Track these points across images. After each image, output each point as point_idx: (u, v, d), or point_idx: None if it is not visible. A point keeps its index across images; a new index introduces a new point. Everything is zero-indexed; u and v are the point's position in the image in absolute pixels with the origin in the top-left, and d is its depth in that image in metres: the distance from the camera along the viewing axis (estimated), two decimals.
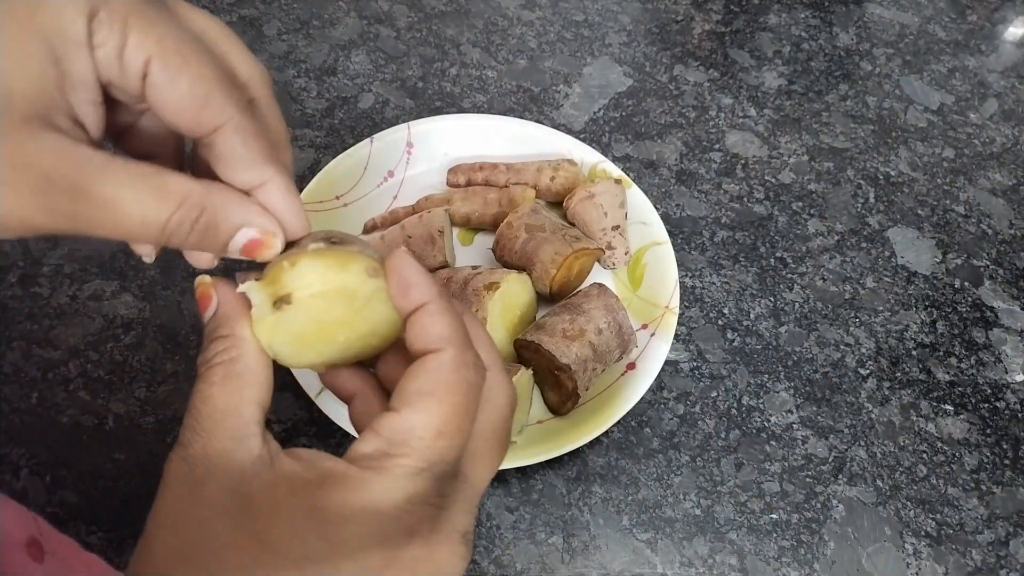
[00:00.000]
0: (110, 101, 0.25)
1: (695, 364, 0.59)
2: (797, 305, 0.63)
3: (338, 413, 0.51)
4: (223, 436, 0.24)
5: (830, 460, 0.56)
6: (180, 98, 0.24)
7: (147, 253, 0.28)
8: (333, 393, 0.30)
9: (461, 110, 0.73)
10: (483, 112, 0.73)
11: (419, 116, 0.72)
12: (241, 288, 0.26)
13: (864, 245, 0.67)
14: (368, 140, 0.64)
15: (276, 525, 0.23)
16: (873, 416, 0.58)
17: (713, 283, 0.64)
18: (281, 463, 0.24)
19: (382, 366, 0.30)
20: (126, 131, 0.28)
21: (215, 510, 0.23)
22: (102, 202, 0.22)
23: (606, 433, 0.55)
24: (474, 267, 0.57)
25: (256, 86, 0.28)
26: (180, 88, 0.23)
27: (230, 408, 0.25)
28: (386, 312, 0.27)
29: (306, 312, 0.25)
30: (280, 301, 0.25)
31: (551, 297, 0.57)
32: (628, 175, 0.65)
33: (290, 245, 0.27)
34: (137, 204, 0.23)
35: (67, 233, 0.23)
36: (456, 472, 0.25)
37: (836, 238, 0.67)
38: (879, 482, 0.55)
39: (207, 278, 0.27)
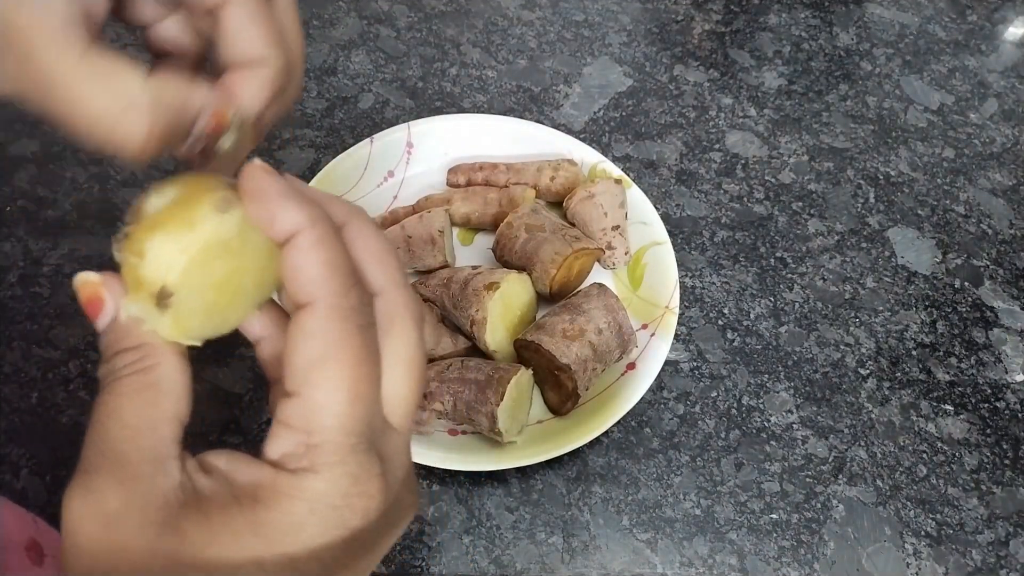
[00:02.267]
0: None
1: (695, 364, 0.59)
2: (797, 305, 0.63)
3: None
4: (138, 459, 0.21)
5: (830, 460, 0.56)
6: None
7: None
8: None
9: (461, 110, 0.73)
10: (483, 112, 0.73)
11: (419, 116, 0.72)
12: (124, 312, 0.22)
13: (864, 245, 0.67)
14: (368, 140, 0.65)
15: (223, 556, 0.20)
16: (873, 416, 0.58)
17: (713, 283, 0.64)
18: (201, 485, 0.21)
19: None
20: (149, 28, 0.28)
21: (145, 552, 0.20)
22: (47, 73, 0.21)
23: (606, 433, 0.55)
24: (474, 267, 0.57)
25: None
26: None
27: (144, 424, 0.21)
28: None
29: (193, 288, 0.22)
30: (161, 298, 0.21)
31: (551, 297, 0.57)
32: (628, 175, 0.65)
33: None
34: (88, 88, 0.21)
35: (31, 107, 0.21)
36: (384, 424, 0.23)
37: (836, 238, 0.67)
38: (879, 482, 0.55)
39: (91, 276, 0.22)
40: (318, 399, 0.21)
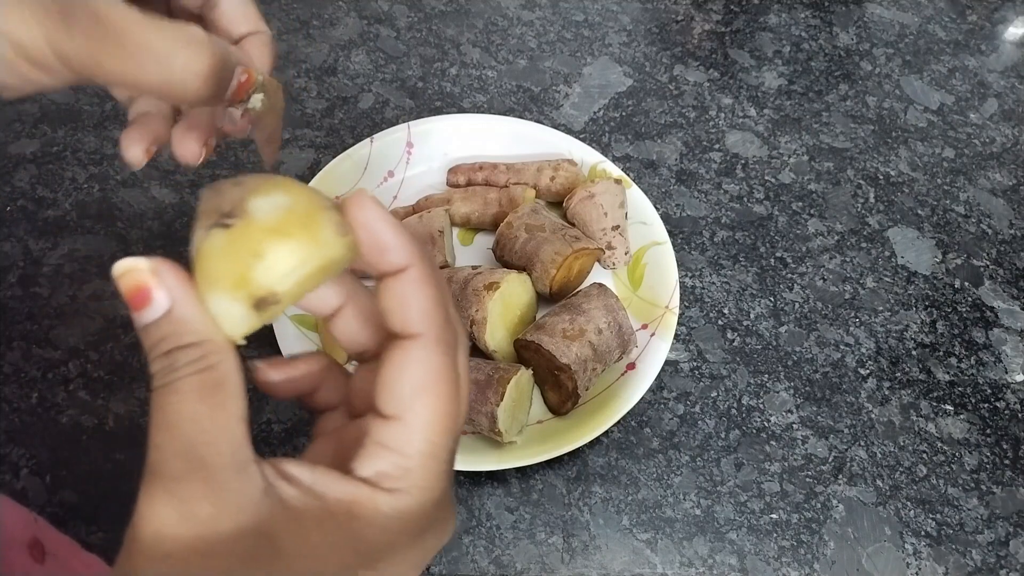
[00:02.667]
0: None
1: (695, 364, 0.59)
2: (797, 305, 0.63)
3: None
4: (222, 464, 0.20)
5: (830, 460, 0.56)
6: None
7: (137, 157, 0.30)
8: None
9: (461, 110, 0.73)
10: (483, 112, 0.73)
11: (419, 116, 0.72)
12: (214, 309, 0.21)
13: (864, 245, 0.67)
14: (368, 140, 0.65)
15: (318, 564, 0.21)
16: (873, 416, 0.58)
17: (713, 283, 0.64)
18: (286, 493, 0.21)
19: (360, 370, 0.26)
20: None
21: (243, 557, 0.20)
22: (130, 37, 0.23)
23: (606, 433, 0.55)
24: (474, 267, 0.57)
25: None
26: None
27: (220, 428, 0.20)
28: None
29: (290, 300, 0.21)
30: (264, 303, 0.21)
31: (551, 297, 0.57)
32: (628, 175, 0.65)
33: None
34: (174, 50, 0.24)
35: (100, 72, 0.23)
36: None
37: (836, 238, 0.67)
38: (879, 482, 0.55)
39: (141, 263, 0.21)
40: (418, 425, 0.22)
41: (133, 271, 0.21)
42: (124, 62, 0.23)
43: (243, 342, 0.22)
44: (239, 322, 0.21)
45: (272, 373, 0.25)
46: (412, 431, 0.22)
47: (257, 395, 0.55)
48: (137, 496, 0.20)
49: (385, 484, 0.22)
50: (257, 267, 0.20)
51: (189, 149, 0.31)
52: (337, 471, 0.22)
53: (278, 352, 0.53)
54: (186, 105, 0.31)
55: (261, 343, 0.55)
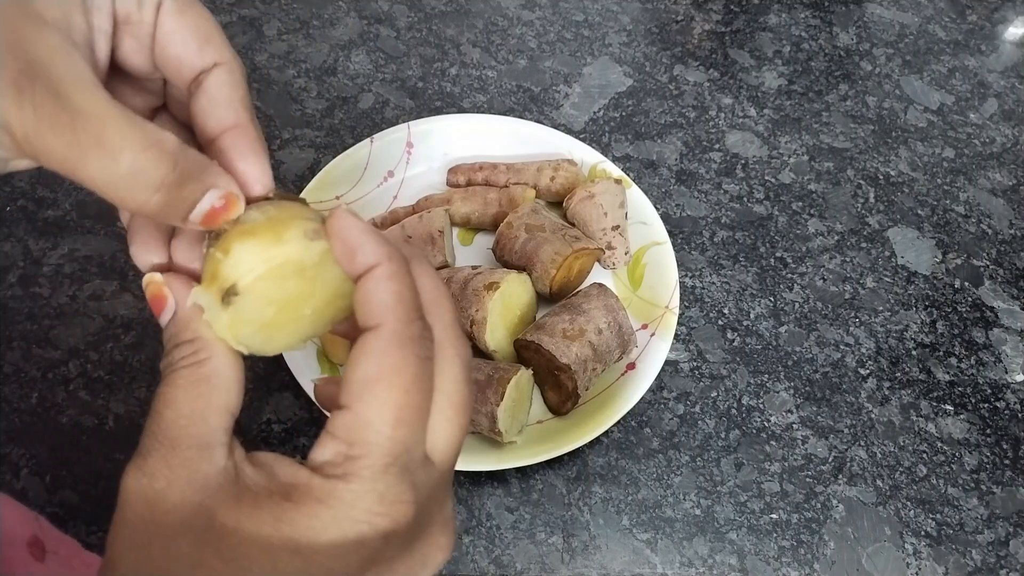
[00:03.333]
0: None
1: (695, 364, 0.59)
2: (797, 305, 0.63)
3: None
4: (187, 444, 0.22)
5: (830, 460, 0.56)
6: (187, 30, 0.25)
7: (153, 267, 0.27)
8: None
9: (461, 110, 0.73)
10: (483, 112, 0.73)
11: (419, 116, 0.72)
12: (192, 299, 0.24)
13: (864, 245, 0.67)
14: (368, 140, 0.65)
15: (244, 543, 0.21)
16: (873, 416, 0.58)
17: (713, 283, 0.64)
18: (245, 474, 0.23)
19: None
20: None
21: (178, 527, 0.21)
22: (84, 119, 0.21)
23: (606, 433, 0.55)
24: (474, 267, 0.57)
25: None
26: (188, 21, 0.25)
27: (196, 414, 0.23)
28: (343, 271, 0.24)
29: (259, 297, 0.23)
30: (228, 295, 0.23)
31: (551, 297, 0.57)
32: (628, 175, 0.65)
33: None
34: (125, 148, 0.21)
35: (42, 153, 0.21)
36: (423, 457, 0.24)
37: (836, 238, 0.67)
38: (879, 482, 0.55)
39: (157, 276, 0.25)
40: (365, 414, 0.22)
41: (153, 282, 0.25)
42: (68, 148, 0.21)
43: (243, 350, 0.24)
44: (215, 315, 0.24)
45: (326, 387, 0.28)
46: (358, 419, 0.22)
47: (257, 396, 0.55)
48: None
49: (326, 471, 0.22)
50: (224, 262, 0.23)
51: (146, 252, 0.27)
52: (297, 460, 0.23)
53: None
54: (138, 216, 0.27)
55: None
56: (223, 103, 0.26)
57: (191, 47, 0.25)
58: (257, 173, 0.25)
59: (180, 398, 0.23)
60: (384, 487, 0.22)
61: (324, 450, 0.23)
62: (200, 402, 0.23)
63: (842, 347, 0.61)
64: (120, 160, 0.21)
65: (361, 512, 0.22)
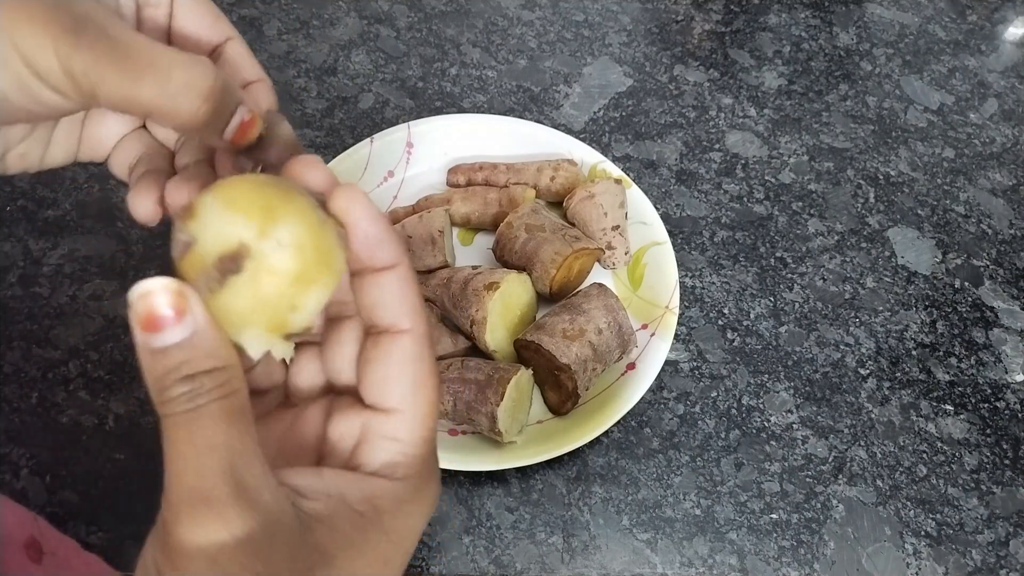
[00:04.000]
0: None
1: (695, 364, 0.59)
2: (797, 305, 0.63)
3: None
4: (256, 486, 0.20)
5: (830, 460, 0.56)
6: (200, 11, 0.29)
7: (149, 212, 0.29)
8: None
9: (461, 110, 0.73)
10: (483, 112, 0.73)
11: (419, 116, 0.72)
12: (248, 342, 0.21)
13: (864, 245, 0.67)
14: (368, 140, 0.64)
15: (367, 565, 0.23)
16: (873, 416, 0.58)
17: (713, 283, 0.64)
18: (307, 507, 0.22)
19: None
20: None
21: (289, 570, 0.20)
22: (137, 50, 0.23)
23: (606, 433, 0.55)
24: (474, 267, 0.57)
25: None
26: (200, 4, 0.30)
27: (250, 451, 0.20)
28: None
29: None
30: (295, 336, 0.22)
31: (551, 297, 0.57)
32: (628, 175, 0.65)
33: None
34: (175, 66, 0.24)
35: (103, 89, 0.23)
36: None
37: (836, 238, 0.67)
38: (879, 482, 0.55)
39: (172, 283, 0.20)
40: (421, 415, 0.24)
41: (154, 293, 0.20)
42: (125, 75, 0.23)
43: (287, 351, 0.23)
44: (277, 351, 0.22)
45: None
46: (415, 422, 0.24)
47: None
48: (169, 516, 0.20)
49: (397, 474, 0.24)
50: (293, 316, 0.21)
51: (178, 199, 0.28)
52: (344, 470, 0.23)
53: None
54: (184, 133, 0.30)
55: None
56: (245, 65, 0.30)
57: (205, 23, 0.29)
58: (265, 98, 0.31)
59: (232, 435, 0.20)
60: (436, 470, 0.25)
61: (385, 453, 0.24)
62: (249, 438, 0.20)
63: (842, 347, 0.61)
64: (173, 76, 0.23)
65: (431, 497, 0.25)
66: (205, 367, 0.20)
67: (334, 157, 0.63)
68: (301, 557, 0.21)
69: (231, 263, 0.20)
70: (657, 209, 0.63)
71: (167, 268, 0.21)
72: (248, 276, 0.20)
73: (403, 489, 0.24)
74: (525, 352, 0.54)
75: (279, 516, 0.20)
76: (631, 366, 0.55)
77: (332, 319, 0.26)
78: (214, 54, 0.30)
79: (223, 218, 0.20)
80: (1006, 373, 0.61)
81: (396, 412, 0.24)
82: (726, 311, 0.62)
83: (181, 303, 0.20)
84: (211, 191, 0.21)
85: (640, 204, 0.62)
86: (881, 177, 0.72)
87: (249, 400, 0.21)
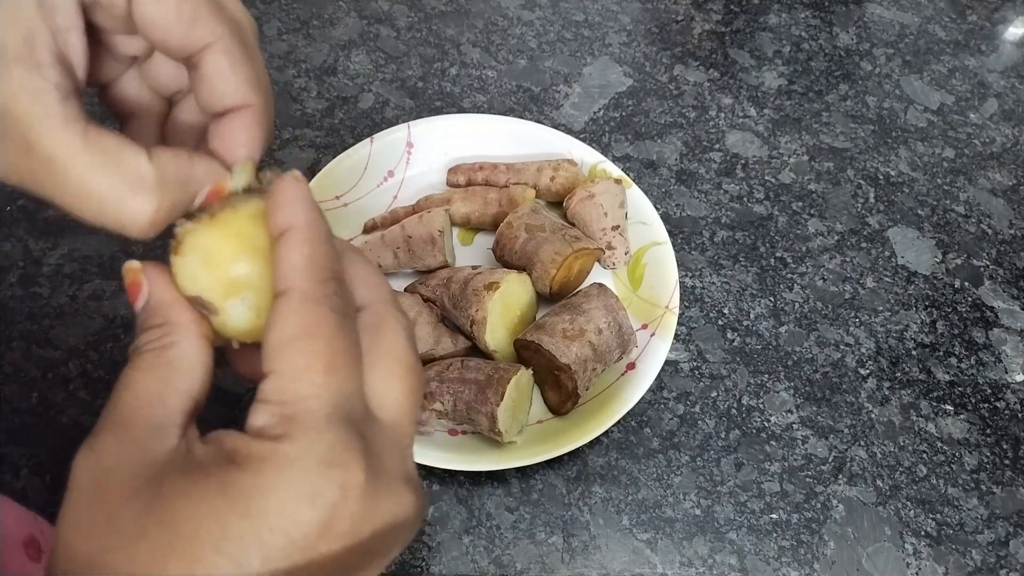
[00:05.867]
0: (95, 43, 0.25)
1: (695, 364, 0.59)
2: (797, 305, 0.63)
3: None
4: (139, 424, 0.22)
5: (830, 460, 0.56)
6: (167, 14, 0.23)
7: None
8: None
9: (461, 110, 0.73)
10: (483, 112, 0.73)
11: (419, 116, 0.72)
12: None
13: (864, 245, 0.67)
14: (368, 140, 0.64)
15: (189, 508, 0.20)
16: (873, 416, 0.58)
17: (713, 283, 0.64)
18: (195, 450, 0.22)
19: None
20: (109, 87, 0.28)
21: (122, 500, 0.21)
22: (49, 162, 0.21)
23: (606, 433, 0.55)
24: (474, 267, 0.57)
25: (245, 30, 0.26)
26: (167, 5, 0.23)
27: (152, 395, 0.23)
28: None
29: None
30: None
31: (551, 297, 0.57)
32: (628, 175, 0.65)
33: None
34: (92, 175, 0.22)
35: (36, 193, 0.22)
36: (365, 410, 0.23)
37: (836, 238, 0.67)
38: (879, 482, 0.55)
39: (135, 264, 0.25)
40: (291, 370, 0.22)
41: (130, 271, 0.25)
42: (62, 196, 0.22)
43: (235, 346, 0.26)
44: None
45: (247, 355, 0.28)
46: (285, 377, 0.22)
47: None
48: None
49: (267, 434, 0.21)
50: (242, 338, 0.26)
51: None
52: (238, 430, 0.23)
53: None
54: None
55: None
56: (226, 84, 0.25)
57: (175, 32, 0.24)
58: (244, 152, 0.26)
59: (139, 380, 0.23)
60: (333, 436, 0.21)
61: (258, 416, 0.22)
62: (159, 385, 0.23)
63: (842, 347, 0.61)
64: (106, 210, 0.23)
65: (312, 464, 0.21)
66: (150, 323, 0.24)
67: (334, 157, 0.63)
68: (134, 488, 0.21)
69: (205, 308, 0.24)
70: (657, 209, 0.63)
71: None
72: (213, 319, 0.25)
73: (267, 449, 0.21)
74: (525, 352, 0.54)
75: (141, 453, 0.22)
76: (631, 366, 0.55)
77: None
78: (191, 61, 0.25)
79: (199, 272, 0.24)
80: (1006, 373, 0.61)
81: (268, 373, 0.22)
82: (726, 311, 0.62)
83: (137, 279, 0.25)
84: (198, 232, 0.24)
85: (640, 204, 0.62)
86: (881, 177, 0.72)
87: (192, 357, 0.24)
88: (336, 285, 0.23)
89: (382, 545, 0.23)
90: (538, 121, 0.70)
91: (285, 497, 0.20)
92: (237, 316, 0.24)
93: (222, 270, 0.24)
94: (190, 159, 0.25)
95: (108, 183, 0.22)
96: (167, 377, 0.23)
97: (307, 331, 0.22)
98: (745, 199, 0.69)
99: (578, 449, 0.53)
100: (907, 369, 0.60)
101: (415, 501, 0.23)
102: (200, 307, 0.24)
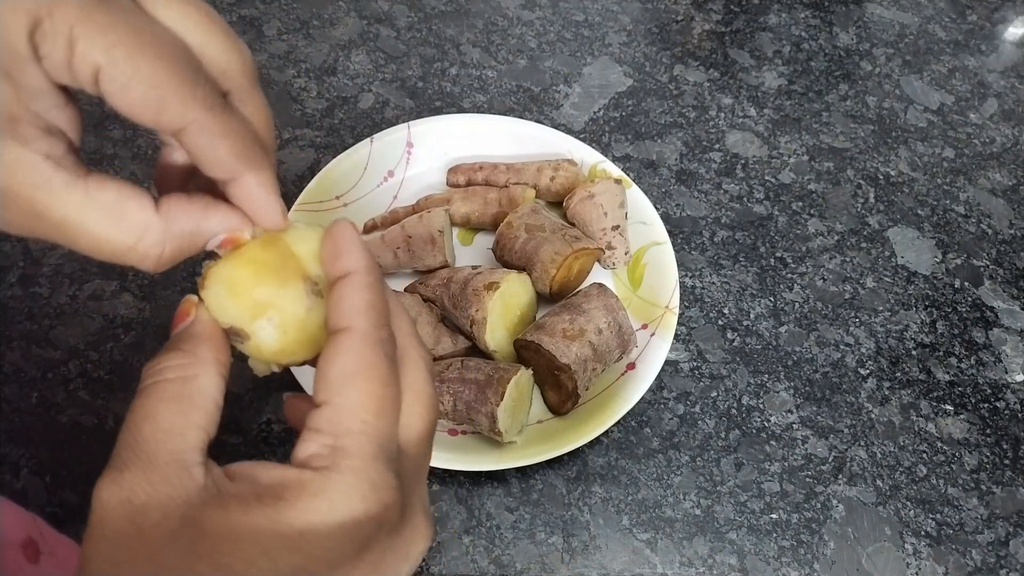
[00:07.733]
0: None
1: (695, 364, 0.59)
2: (797, 305, 0.63)
3: None
4: (166, 460, 0.22)
5: (830, 460, 0.56)
6: (134, 104, 0.22)
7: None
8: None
9: (461, 110, 0.73)
10: (483, 112, 0.73)
11: (419, 116, 0.72)
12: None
13: (864, 245, 0.67)
14: (368, 140, 0.64)
15: (239, 548, 0.21)
16: (873, 416, 0.58)
17: (713, 283, 0.64)
18: (226, 487, 0.23)
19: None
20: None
21: (165, 541, 0.21)
22: (59, 223, 0.23)
23: (606, 433, 0.55)
24: (474, 267, 0.57)
25: (233, 76, 0.25)
26: (133, 95, 0.22)
27: (175, 429, 0.23)
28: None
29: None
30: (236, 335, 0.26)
31: (551, 297, 0.57)
32: (628, 175, 0.65)
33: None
34: (99, 229, 0.23)
35: (50, 240, 0.23)
36: (399, 450, 0.25)
37: (836, 238, 0.67)
38: (879, 482, 0.55)
39: (193, 298, 0.26)
40: (347, 405, 0.23)
41: (187, 302, 0.26)
42: (76, 247, 0.23)
43: (276, 369, 0.27)
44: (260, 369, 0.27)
45: (297, 403, 0.29)
46: (341, 411, 0.23)
47: (257, 396, 0.55)
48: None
49: (314, 464, 0.23)
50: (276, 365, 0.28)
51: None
52: (276, 462, 0.24)
53: None
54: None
55: None
56: (207, 164, 0.24)
57: (146, 119, 0.22)
58: (264, 217, 0.26)
59: (161, 412, 0.23)
60: (376, 474, 0.23)
61: (309, 445, 0.23)
62: (180, 418, 0.23)
63: (842, 347, 0.61)
64: (116, 256, 0.24)
65: (357, 500, 0.22)
66: (179, 347, 0.25)
67: (334, 157, 0.63)
68: (174, 528, 0.21)
69: (239, 335, 0.26)
70: (657, 209, 0.63)
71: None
72: (248, 344, 0.26)
73: (315, 481, 0.22)
74: (525, 352, 0.54)
75: (171, 490, 0.22)
76: (631, 366, 0.55)
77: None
78: (176, 138, 0.24)
79: (226, 302, 0.26)
80: (1006, 373, 0.61)
81: (323, 404, 0.23)
82: (726, 311, 0.62)
83: (188, 309, 0.26)
84: (219, 266, 0.26)
85: (640, 204, 0.62)
86: (881, 177, 0.72)
87: (210, 391, 0.24)
88: (389, 332, 0.25)
89: (398, 571, 0.25)
90: (538, 121, 0.70)
91: (332, 531, 0.22)
92: (266, 336, 0.26)
93: (246, 295, 0.25)
94: (204, 211, 0.25)
95: (115, 234, 0.23)
96: (187, 411, 0.23)
97: (364, 371, 0.23)
98: (745, 199, 0.69)
99: (578, 449, 0.53)
100: (907, 369, 0.60)
101: (429, 532, 0.26)
102: (235, 336, 0.26)
